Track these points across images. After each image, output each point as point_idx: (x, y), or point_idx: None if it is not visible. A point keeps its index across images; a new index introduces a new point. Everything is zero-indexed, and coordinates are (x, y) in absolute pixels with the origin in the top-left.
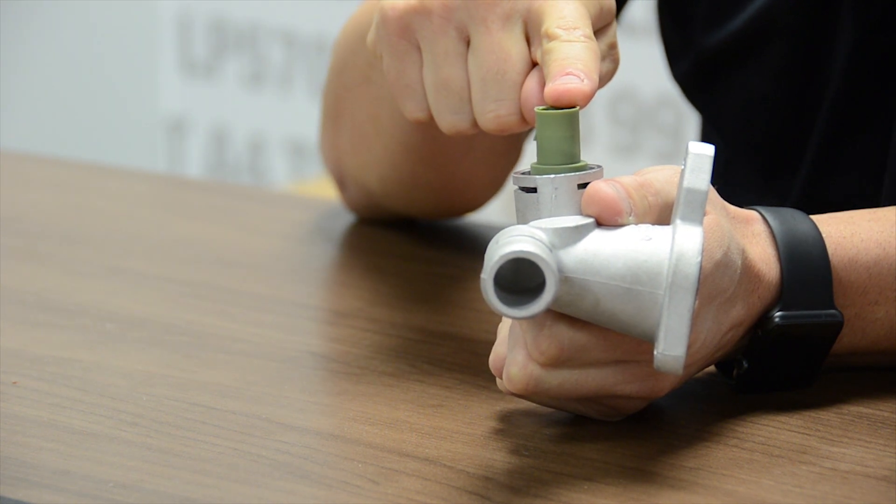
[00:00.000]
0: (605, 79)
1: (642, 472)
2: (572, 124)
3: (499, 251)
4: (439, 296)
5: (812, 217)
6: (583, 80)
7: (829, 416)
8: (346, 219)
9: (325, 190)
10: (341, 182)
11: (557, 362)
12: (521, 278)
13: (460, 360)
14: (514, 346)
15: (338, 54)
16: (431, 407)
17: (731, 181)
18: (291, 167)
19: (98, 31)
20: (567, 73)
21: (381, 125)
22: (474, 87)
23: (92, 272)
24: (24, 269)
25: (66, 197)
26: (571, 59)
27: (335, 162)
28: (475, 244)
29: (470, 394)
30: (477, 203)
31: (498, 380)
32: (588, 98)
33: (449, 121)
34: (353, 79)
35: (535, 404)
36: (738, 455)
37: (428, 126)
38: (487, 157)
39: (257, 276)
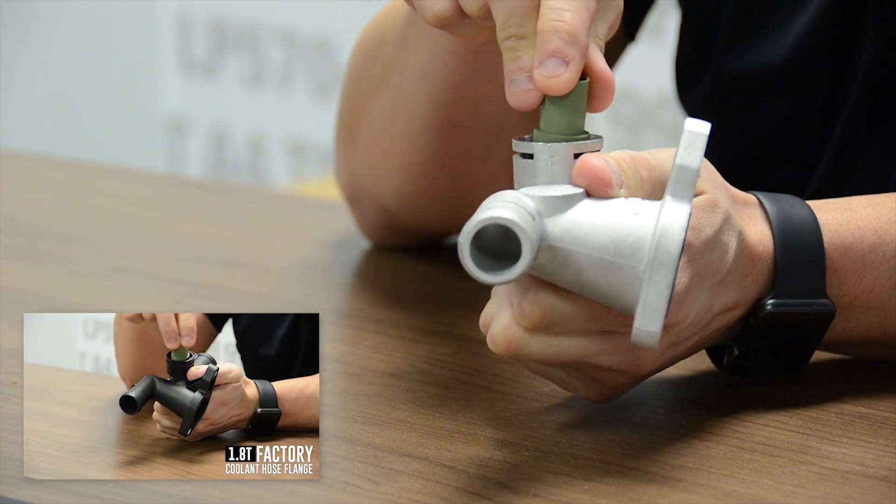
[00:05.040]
0: (611, 31)
1: (642, 472)
2: (580, 95)
3: (479, 215)
4: (439, 296)
5: (810, 203)
6: (567, 64)
7: (829, 416)
8: (346, 219)
9: (325, 190)
10: (355, 199)
11: (540, 327)
12: (509, 244)
13: (460, 360)
14: (500, 308)
15: (355, 63)
16: (431, 407)
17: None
18: (291, 167)
19: (98, 31)
20: (552, 55)
21: (398, 132)
22: None
23: (92, 272)
24: (24, 269)
25: (66, 197)
26: (557, 21)
27: (349, 177)
28: None
29: (470, 394)
30: None
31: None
32: (571, 84)
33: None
34: (370, 85)
35: (534, 404)
36: (738, 455)
37: (446, 131)
38: (504, 168)
39: (257, 276)
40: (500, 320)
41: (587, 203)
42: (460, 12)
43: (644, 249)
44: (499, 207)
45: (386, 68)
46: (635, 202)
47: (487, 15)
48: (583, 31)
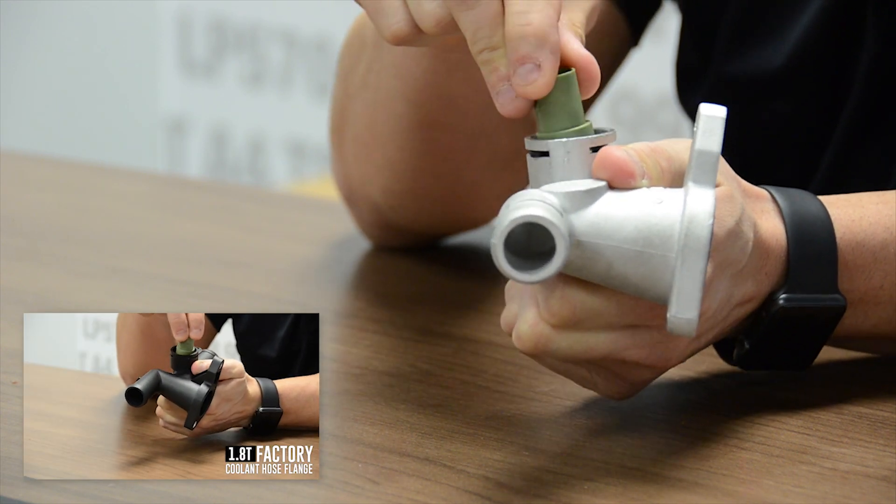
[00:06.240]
0: (591, 16)
1: (642, 472)
2: (570, 87)
3: (509, 215)
4: (439, 296)
5: (821, 198)
6: (540, 67)
7: (829, 416)
8: (345, 219)
9: (324, 190)
10: (350, 199)
11: (569, 324)
12: (534, 242)
13: (460, 360)
14: (525, 305)
15: (342, 63)
16: (431, 407)
17: None
18: (291, 167)
19: (98, 30)
20: (522, 61)
21: (379, 132)
22: None
23: (92, 272)
24: (24, 269)
25: (66, 197)
26: (522, 25)
27: (343, 176)
28: (476, 244)
29: (470, 394)
30: (484, 218)
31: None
32: (548, 85)
33: (436, 13)
34: (354, 86)
35: (534, 404)
36: (738, 455)
37: (426, 129)
38: (490, 166)
39: (257, 276)
40: (527, 318)
41: (610, 196)
42: (417, 30)
43: (673, 238)
44: (527, 206)
45: (366, 68)
46: (658, 191)
47: (445, 31)
48: (551, 29)
